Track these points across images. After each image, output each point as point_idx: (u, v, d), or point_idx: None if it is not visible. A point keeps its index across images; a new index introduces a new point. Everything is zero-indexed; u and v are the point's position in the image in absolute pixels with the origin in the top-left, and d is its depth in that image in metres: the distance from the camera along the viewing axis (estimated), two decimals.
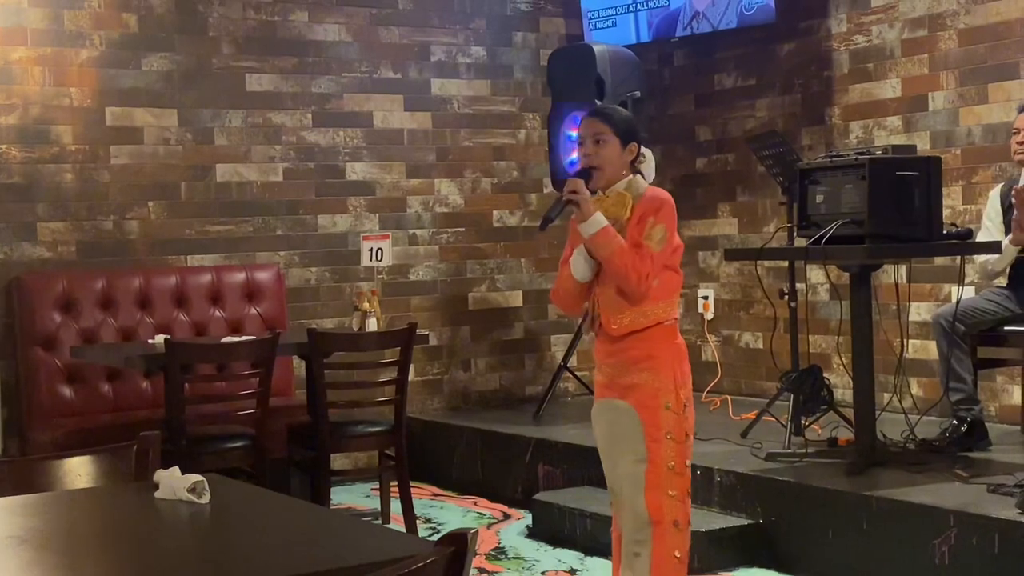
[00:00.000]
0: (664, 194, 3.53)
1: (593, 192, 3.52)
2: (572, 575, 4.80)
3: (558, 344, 7.29)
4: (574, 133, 6.42)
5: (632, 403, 3.48)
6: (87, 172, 6.15)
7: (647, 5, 7.01)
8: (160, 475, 2.42)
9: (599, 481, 5.50)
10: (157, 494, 2.38)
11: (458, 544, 1.78)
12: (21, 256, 5.99)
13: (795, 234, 5.26)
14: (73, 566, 2.05)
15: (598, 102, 6.24)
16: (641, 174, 3.57)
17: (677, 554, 3.53)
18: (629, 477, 3.50)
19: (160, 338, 5.17)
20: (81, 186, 6.13)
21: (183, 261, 6.35)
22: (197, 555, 2.13)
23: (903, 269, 5.79)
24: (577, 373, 6.73)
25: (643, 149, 3.59)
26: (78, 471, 2.67)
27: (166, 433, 4.77)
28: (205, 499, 2.34)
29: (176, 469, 2.42)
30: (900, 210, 4.66)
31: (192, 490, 2.34)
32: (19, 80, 6.01)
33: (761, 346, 6.89)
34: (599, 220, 3.42)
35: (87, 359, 5.67)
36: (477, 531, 1.81)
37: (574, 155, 6.43)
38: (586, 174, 3.53)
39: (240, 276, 6.35)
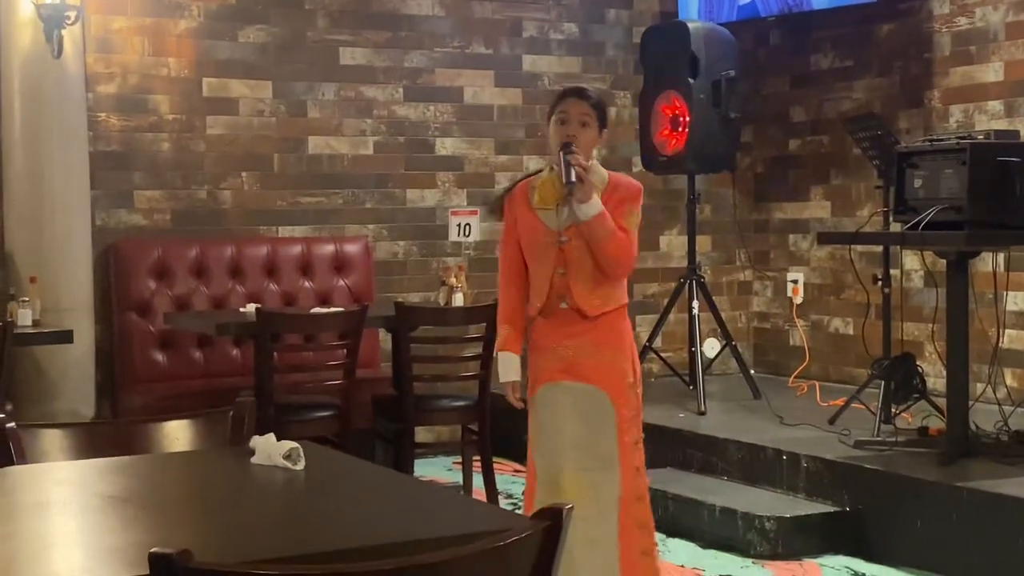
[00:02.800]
0: (637, 183, 3.69)
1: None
2: None
3: (643, 325, 7.24)
4: (665, 123, 6.36)
5: (600, 385, 3.58)
6: (183, 141, 6.24)
7: None
8: (256, 441, 2.45)
9: (682, 463, 5.49)
10: (253, 459, 2.41)
11: (553, 519, 1.78)
12: (118, 223, 6.10)
13: (891, 219, 5.17)
14: (171, 526, 2.09)
15: (692, 81, 6.18)
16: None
17: (641, 519, 3.65)
18: (602, 459, 3.58)
19: (251, 307, 5.24)
20: (177, 155, 6.23)
21: (274, 232, 6.43)
22: (292, 520, 2.16)
23: (1001, 257, 5.65)
24: (662, 354, 6.69)
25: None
26: (175, 435, 2.71)
27: (255, 400, 4.83)
28: (300, 466, 2.36)
29: (272, 436, 2.44)
30: (1001, 197, 4.56)
31: (287, 456, 2.37)
32: (119, 49, 6.11)
33: (851, 332, 6.79)
34: (598, 203, 3.53)
35: (180, 326, 5.77)
36: (572, 507, 1.81)
37: (668, 139, 6.38)
38: (569, 148, 3.59)
39: (329, 248, 6.41)
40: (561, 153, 3.55)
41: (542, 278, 3.63)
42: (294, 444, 2.39)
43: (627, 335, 3.67)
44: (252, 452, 2.43)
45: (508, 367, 3.69)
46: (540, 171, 3.79)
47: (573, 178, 3.50)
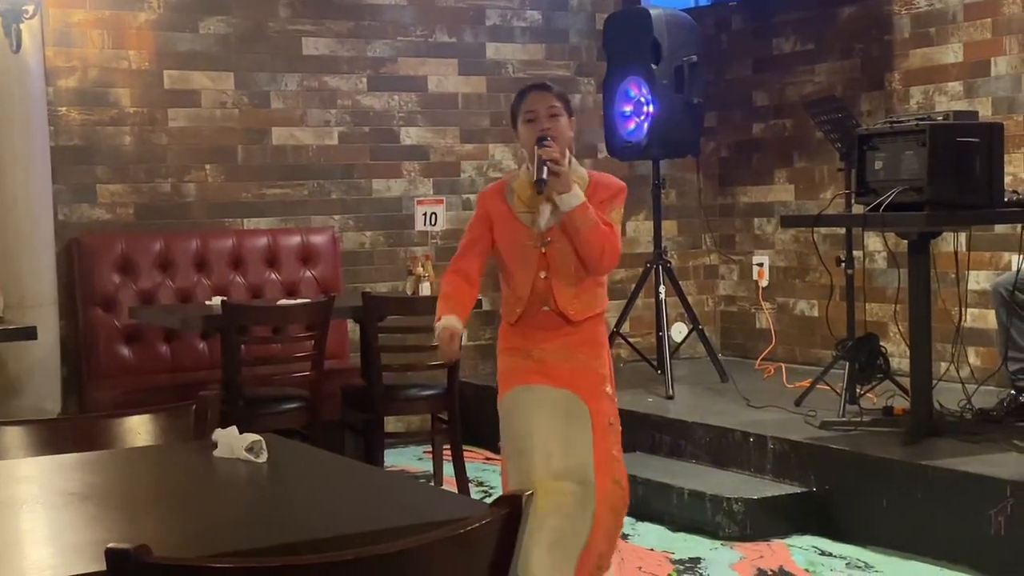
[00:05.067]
0: (620, 182, 3.61)
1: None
2: (624, 540, 4.81)
3: (611, 310, 7.20)
4: (628, 109, 6.38)
5: (574, 389, 3.47)
6: (145, 135, 6.21)
7: None
8: (219, 434, 2.44)
9: (650, 447, 5.52)
10: (216, 453, 2.41)
11: (513, 506, 1.78)
12: (80, 217, 6.07)
13: (853, 201, 5.21)
14: (134, 521, 2.08)
15: (654, 67, 6.20)
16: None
17: (612, 535, 3.59)
18: (578, 466, 3.46)
19: (217, 300, 5.22)
20: (139, 149, 6.19)
21: (239, 224, 6.41)
22: (255, 513, 2.16)
23: (962, 237, 5.71)
24: (630, 339, 6.71)
25: None
26: (138, 429, 2.71)
27: (222, 394, 4.82)
28: (263, 458, 2.36)
29: (234, 428, 2.44)
30: (961, 177, 4.60)
31: (250, 449, 2.37)
32: (78, 43, 6.06)
33: (816, 314, 6.84)
34: (580, 194, 3.44)
35: (145, 320, 5.74)
36: (532, 493, 1.82)
37: (631, 126, 6.39)
38: (542, 143, 3.47)
39: (295, 239, 6.40)
40: (536, 148, 3.45)
41: (523, 282, 3.53)
42: (256, 437, 2.39)
43: (604, 342, 3.60)
44: (215, 446, 2.43)
45: (451, 323, 3.56)
46: (518, 170, 3.69)
47: (544, 175, 3.39)
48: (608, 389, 3.54)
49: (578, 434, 3.46)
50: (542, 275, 3.50)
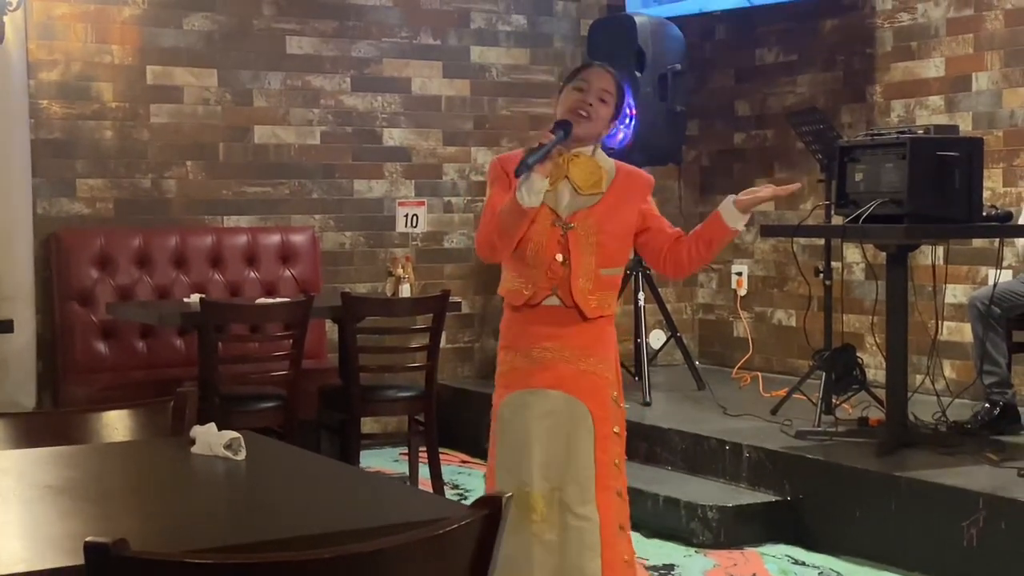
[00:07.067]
0: (647, 173, 3.37)
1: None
2: None
3: None
4: None
5: (580, 397, 3.19)
6: (126, 130, 6.18)
7: None
8: (196, 431, 2.44)
9: (627, 454, 5.52)
10: (193, 449, 2.40)
11: (492, 507, 1.79)
12: (59, 211, 6.04)
13: (832, 212, 5.23)
14: (110, 516, 2.08)
15: (638, 74, 6.22)
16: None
17: (626, 557, 3.28)
18: (577, 480, 3.19)
19: (195, 297, 5.21)
20: (120, 144, 6.17)
21: (219, 221, 6.39)
22: (232, 510, 2.16)
23: (940, 250, 5.74)
24: None
25: None
26: (115, 425, 2.70)
27: (199, 391, 4.80)
28: (241, 456, 2.36)
29: (212, 425, 2.44)
30: (940, 191, 4.63)
31: (228, 446, 2.36)
32: (61, 36, 6.04)
33: (794, 324, 6.87)
34: (744, 219, 3.22)
35: (123, 316, 5.72)
36: (512, 495, 1.82)
37: (614, 132, 6.40)
38: (568, 127, 3.14)
39: (275, 238, 6.38)
40: (556, 129, 3.09)
41: (537, 260, 3.17)
42: (235, 434, 2.39)
43: (614, 345, 3.28)
44: (192, 442, 2.42)
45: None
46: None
47: (531, 161, 3.00)
48: (614, 394, 3.25)
49: (580, 442, 3.19)
50: (559, 258, 3.17)
